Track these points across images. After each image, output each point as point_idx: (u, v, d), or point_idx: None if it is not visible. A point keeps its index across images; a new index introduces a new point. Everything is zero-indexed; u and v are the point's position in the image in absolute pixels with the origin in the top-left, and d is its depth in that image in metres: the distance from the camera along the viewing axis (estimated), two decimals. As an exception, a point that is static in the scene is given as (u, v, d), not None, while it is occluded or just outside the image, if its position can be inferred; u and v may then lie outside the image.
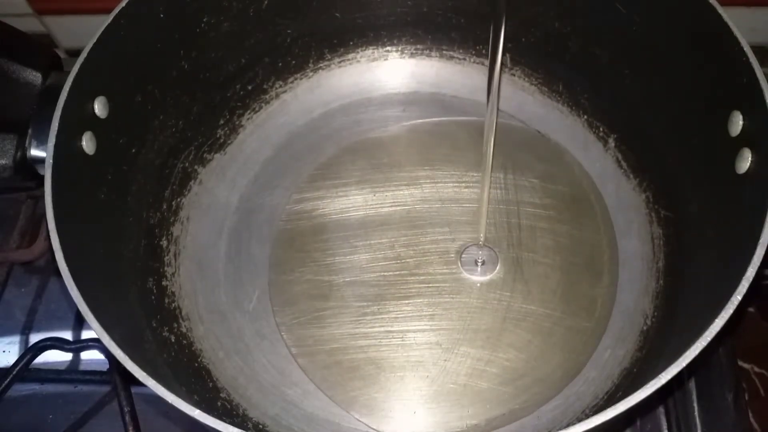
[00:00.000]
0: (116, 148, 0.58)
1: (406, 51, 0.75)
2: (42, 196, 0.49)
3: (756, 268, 0.43)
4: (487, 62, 0.73)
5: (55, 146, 0.50)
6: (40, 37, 0.80)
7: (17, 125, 0.57)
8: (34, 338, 0.68)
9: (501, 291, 0.63)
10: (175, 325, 0.61)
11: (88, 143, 0.54)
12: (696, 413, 0.60)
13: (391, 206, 0.68)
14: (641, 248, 0.64)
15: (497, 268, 0.63)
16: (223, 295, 0.65)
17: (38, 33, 0.80)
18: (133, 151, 0.60)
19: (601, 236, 0.65)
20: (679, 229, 0.61)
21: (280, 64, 0.72)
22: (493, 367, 0.60)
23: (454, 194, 0.68)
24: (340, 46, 0.74)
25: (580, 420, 0.43)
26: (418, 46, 0.75)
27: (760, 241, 0.44)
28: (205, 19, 0.63)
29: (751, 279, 0.43)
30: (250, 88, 0.72)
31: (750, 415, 0.60)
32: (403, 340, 0.61)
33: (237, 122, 0.72)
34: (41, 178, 0.50)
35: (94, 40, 0.54)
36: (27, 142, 0.56)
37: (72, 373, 0.67)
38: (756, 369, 0.63)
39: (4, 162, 0.57)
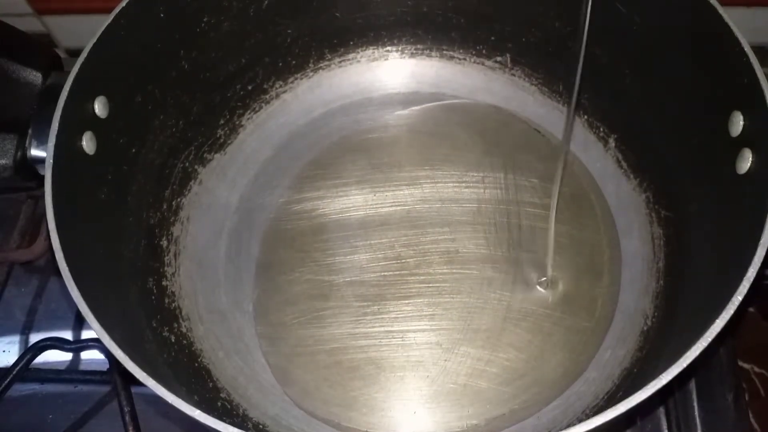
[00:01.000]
0: (116, 148, 0.58)
1: (406, 51, 0.75)
2: (42, 196, 0.49)
3: (756, 268, 0.43)
4: (487, 62, 0.74)
5: (56, 146, 0.50)
6: (40, 37, 0.79)
7: (17, 125, 0.57)
8: (34, 338, 0.68)
9: (501, 291, 0.63)
10: (175, 325, 0.61)
11: (88, 143, 0.54)
12: (696, 413, 0.60)
13: (391, 206, 0.68)
14: (641, 248, 0.64)
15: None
16: (223, 295, 0.65)
17: (38, 33, 0.80)
18: (133, 151, 0.60)
19: (601, 236, 0.65)
20: (679, 229, 0.61)
21: (281, 64, 0.72)
22: (493, 367, 0.60)
23: (454, 194, 0.68)
24: (340, 46, 0.74)
25: (580, 420, 0.43)
26: (418, 46, 0.75)
27: (761, 241, 0.43)
28: (205, 19, 0.63)
29: (751, 279, 0.43)
30: (250, 88, 0.72)
31: (750, 415, 0.60)
32: (403, 340, 0.61)
33: (237, 122, 0.72)
34: (41, 178, 0.50)
35: (94, 40, 0.54)
36: (27, 142, 0.56)
37: (72, 373, 0.67)
38: (756, 369, 0.63)
39: (4, 162, 0.57)
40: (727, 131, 0.52)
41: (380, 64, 0.76)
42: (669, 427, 0.61)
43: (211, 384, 0.59)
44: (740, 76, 0.50)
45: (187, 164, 0.68)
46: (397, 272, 0.64)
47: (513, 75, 0.73)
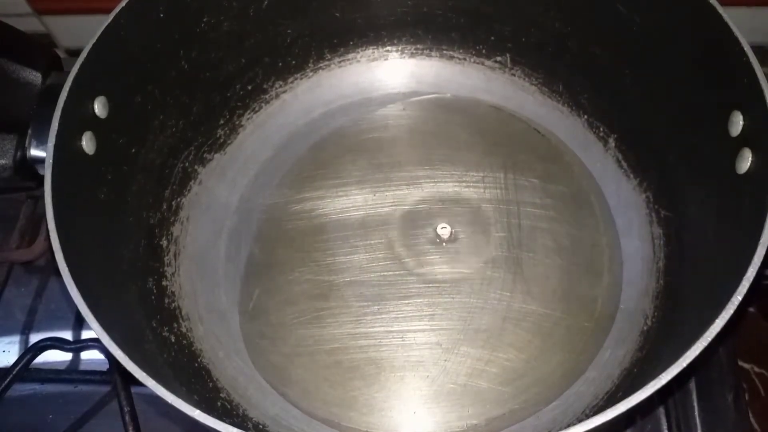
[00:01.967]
0: (116, 148, 0.58)
1: (406, 51, 0.75)
2: (42, 196, 0.49)
3: (756, 268, 0.43)
4: (487, 62, 0.74)
5: (55, 146, 0.50)
6: (40, 37, 0.80)
7: (17, 125, 0.57)
8: (34, 338, 0.68)
9: (501, 291, 0.63)
10: (175, 325, 0.61)
11: (88, 143, 0.54)
12: (696, 413, 0.60)
13: (391, 206, 0.68)
14: (641, 248, 0.64)
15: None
16: (223, 295, 0.65)
17: (38, 33, 0.80)
18: (133, 151, 0.60)
19: (601, 236, 0.65)
20: (679, 229, 0.61)
21: (280, 64, 0.72)
22: (493, 367, 0.60)
23: (454, 194, 0.68)
24: (340, 46, 0.74)
25: (580, 420, 0.43)
26: (418, 46, 0.75)
27: (761, 241, 0.44)
28: (205, 19, 0.63)
29: (751, 279, 0.43)
30: (250, 88, 0.72)
31: (750, 415, 0.60)
32: (403, 340, 0.61)
33: (237, 122, 0.72)
34: (41, 178, 0.50)
35: (94, 40, 0.54)
36: (27, 142, 0.56)
37: (72, 373, 0.67)
38: (756, 369, 0.63)
39: (4, 162, 0.57)
40: (726, 131, 0.52)
41: (380, 64, 0.76)
42: (669, 427, 0.61)
43: (211, 384, 0.59)
44: (740, 76, 0.50)
45: (187, 164, 0.68)
46: (397, 272, 0.64)
47: (513, 75, 0.73)
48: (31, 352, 0.62)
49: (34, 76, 0.59)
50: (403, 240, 0.65)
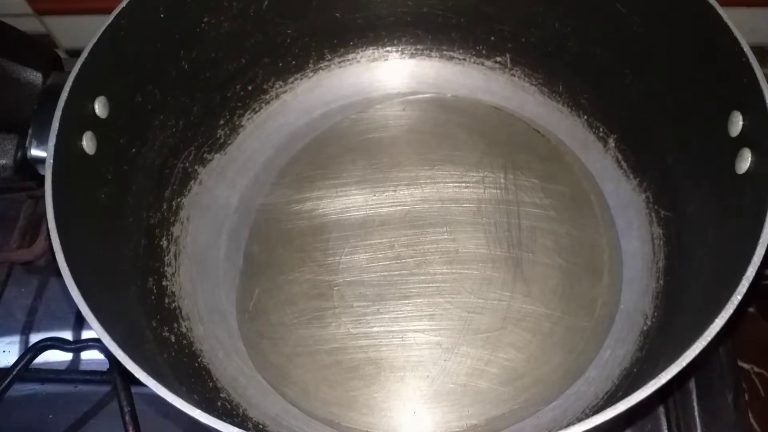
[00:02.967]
0: (116, 148, 0.58)
1: (406, 51, 0.75)
2: (42, 196, 0.49)
3: (756, 267, 0.43)
4: (487, 63, 0.74)
5: (56, 146, 0.50)
6: (40, 37, 0.80)
7: (17, 125, 0.57)
8: (34, 338, 0.68)
9: (501, 291, 0.63)
10: (175, 325, 0.61)
11: (88, 143, 0.54)
12: (696, 413, 0.60)
13: (391, 206, 0.68)
14: (641, 248, 0.64)
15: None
16: (223, 295, 0.65)
17: (38, 33, 0.80)
18: (133, 151, 0.60)
19: (601, 236, 0.65)
20: (679, 229, 0.61)
21: (281, 64, 0.72)
22: (493, 367, 0.60)
23: (454, 194, 0.68)
24: (340, 47, 0.74)
25: (580, 420, 0.43)
26: (418, 46, 0.75)
27: (760, 240, 0.44)
28: (205, 19, 0.63)
29: (751, 279, 0.43)
30: (250, 88, 0.72)
31: (750, 415, 0.60)
32: (403, 340, 0.61)
33: (237, 122, 0.72)
34: (41, 178, 0.50)
35: (95, 40, 0.54)
36: (27, 141, 0.56)
37: (72, 373, 0.67)
38: (756, 369, 0.63)
39: (4, 162, 0.57)
40: (726, 131, 0.52)
41: (380, 65, 0.76)
42: (669, 427, 0.61)
43: (211, 384, 0.59)
44: (740, 76, 0.50)
45: (187, 164, 0.68)
46: (397, 272, 0.64)
47: (513, 75, 0.73)
48: (31, 352, 0.62)
49: (35, 76, 0.59)
50: (403, 240, 0.65)
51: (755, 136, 0.49)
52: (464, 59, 0.74)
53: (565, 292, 0.62)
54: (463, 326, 0.61)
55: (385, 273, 0.64)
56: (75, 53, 0.58)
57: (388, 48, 0.75)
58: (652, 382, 0.41)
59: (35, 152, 0.56)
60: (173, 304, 0.62)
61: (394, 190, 0.68)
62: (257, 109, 0.73)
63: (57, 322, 0.69)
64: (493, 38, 0.72)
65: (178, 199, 0.67)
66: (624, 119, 0.67)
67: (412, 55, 0.75)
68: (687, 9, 0.54)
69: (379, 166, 0.70)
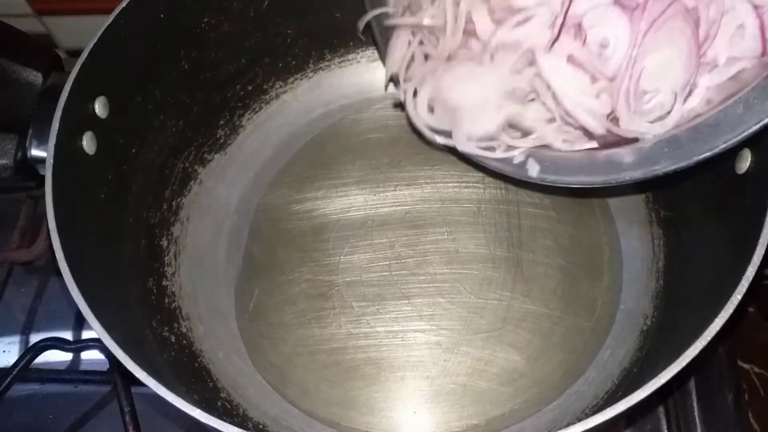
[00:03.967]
0: (116, 148, 0.58)
1: (406, 51, 0.75)
2: (42, 196, 0.49)
3: (756, 267, 0.43)
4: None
5: (56, 146, 0.50)
6: (40, 37, 0.80)
7: (18, 125, 0.57)
8: (34, 338, 0.68)
9: (501, 291, 0.63)
10: (176, 325, 0.61)
11: (88, 143, 0.54)
12: (696, 413, 0.60)
13: (391, 206, 0.68)
14: (641, 248, 0.64)
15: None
16: (223, 295, 0.65)
17: (38, 33, 0.80)
18: (134, 151, 0.60)
19: (601, 236, 0.65)
20: (679, 229, 0.61)
21: (281, 65, 0.73)
22: (493, 367, 0.60)
23: (454, 194, 0.68)
24: (340, 47, 0.74)
25: (580, 420, 0.43)
26: (419, 46, 0.75)
27: (760, 240, 0.44)
28: (205, 20, 0.63)
29: (750, 278, 0.43)
30: (250, 88, 0.72)
31: (750, 415, 0.60)
32: (403, 340, 0.61)
33: (237, 122, 0.72)
34: (41, 178, 0.50)
35: (95, 40, 0.54)
36: (27, 142, 0.56)
37: (72, 373, 0.67)
38: (756, 369, 0.63)
39: (4, 162, 0.57)
40: (726, 131, 0.52)
41: (380, 65, 0.75)
42: (669, 427, 0.61)
43: (211, 384, 0.59)
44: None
45: (187, 164, 0.68)
46: (397, 272, 0.64)
47: (513, 74, 0.74)
48: (31, 352, 0.63)
49: (35, 76, 0.59)
50: (403, 240, 0.65)
51: (755, 137, 0.49)
52: (464, 59, 0.75)
53: (566, 292, 0.62)
54: (463, 326, 0.61)
55: (385, 273, 0.64)
56: (75, 53, 0.58)
57: (389, 48, 0.75)
58: (651, 382, 0.41)
59: (35, 152, 0.56)
60: (173, 304, 0.62)
61: (394, 190, 0.68)
62: (257, 109, 0.73)
63: (57, 322, 0.69)
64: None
65: (178, 199, 0.67)
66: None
67: (412, 55, 0.76)
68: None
69: (379, 166, 0.70)
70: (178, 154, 0.67)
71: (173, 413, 0.43)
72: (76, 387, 0.66)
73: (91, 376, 0.66)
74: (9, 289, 0.71)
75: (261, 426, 0.58)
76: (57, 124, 0.51)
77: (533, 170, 0.58)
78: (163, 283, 0.62)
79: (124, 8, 0.55)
